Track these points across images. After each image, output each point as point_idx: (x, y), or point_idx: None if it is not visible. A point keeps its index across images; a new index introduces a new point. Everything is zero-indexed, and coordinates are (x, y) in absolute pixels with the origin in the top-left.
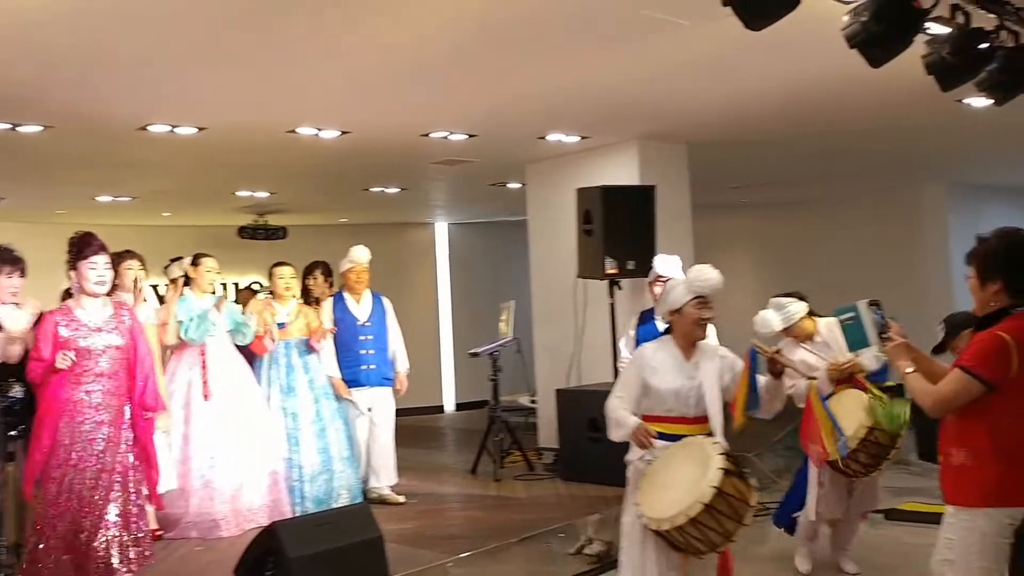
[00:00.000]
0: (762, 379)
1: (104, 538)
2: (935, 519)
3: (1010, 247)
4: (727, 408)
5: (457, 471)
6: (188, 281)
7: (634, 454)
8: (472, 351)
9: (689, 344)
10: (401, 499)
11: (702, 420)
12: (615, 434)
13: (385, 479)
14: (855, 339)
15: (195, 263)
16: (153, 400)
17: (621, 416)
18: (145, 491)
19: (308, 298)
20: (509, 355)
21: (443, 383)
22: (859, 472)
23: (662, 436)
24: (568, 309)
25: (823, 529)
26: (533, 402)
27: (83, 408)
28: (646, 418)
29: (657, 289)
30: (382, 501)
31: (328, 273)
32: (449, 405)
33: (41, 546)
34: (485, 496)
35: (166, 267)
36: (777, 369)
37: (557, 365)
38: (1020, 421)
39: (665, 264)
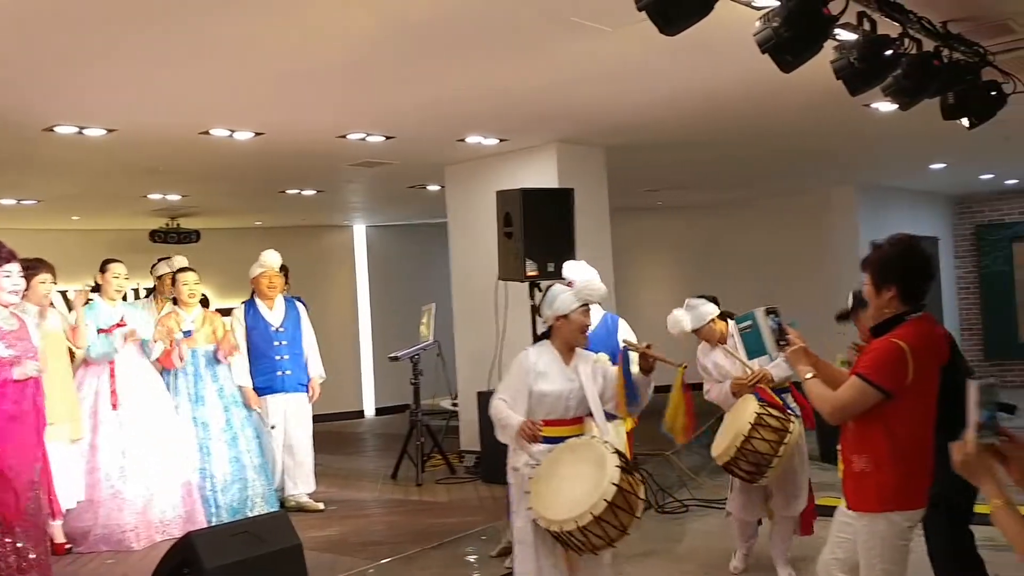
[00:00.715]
0: (634, 372)
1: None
2: None
3: (904, 254)
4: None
5: (378, 476)
6: (97, 287)
7: (520, 460)
8: (392, 355)
9: (568, 349)
10: (320, 506)
11: (578, 421)
12: (502, 436)
13: (303, 486)
14: (753, 347)
15: (103, 269)
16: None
17: (505, 416)
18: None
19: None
20: (430, 358)
21: (363, 388)
22: (744, 478)
23: (548, 439)
24: (489, 311)
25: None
26: (454, 405)
27: None
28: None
29: None
30: (301, 508)
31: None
32: (369, 410)
33: None
34: (406, 501)
35: (153, 266)
36: (648, 365)
37: (478, 367)
38: (916, 426)
39: (575, 270)
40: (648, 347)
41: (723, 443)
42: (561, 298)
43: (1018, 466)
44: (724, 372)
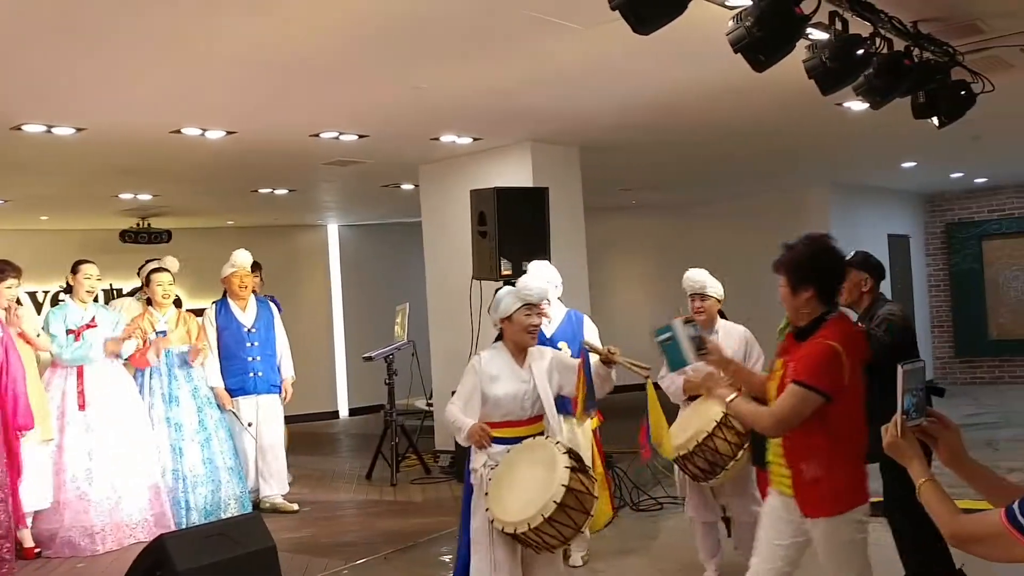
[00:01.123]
0: (593, 364)
1: None
2: None
3: (817, 253)
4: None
5: (352, 477)
6: (69, 288)
7: (478, 461)
8: (366, 355)
9: (520, 350)
10: (294, 507)
11: (536, 420)
12: (459, 438)
13: (277, 487)
14: (674, 359)
15: (74, 270)
16: (24, 419)
17: (458, 420)
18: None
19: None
20: (404, 358)
21: (337, 388)
22: (697, 476)
23: (501, 440)
24: (463, 311)
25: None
26: (429, 405)
27: None
28: (491, 425)
29: None
30: (275, 510)
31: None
32: (343, 410)
33: None
34: (381, 501)
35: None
36: (608, 359)
37: (453, 367)
38: (854, 424)
39: (534, 270)
40: (611, 352)
41: (682, 437)
42: (504, 301)
43: (946, 446)
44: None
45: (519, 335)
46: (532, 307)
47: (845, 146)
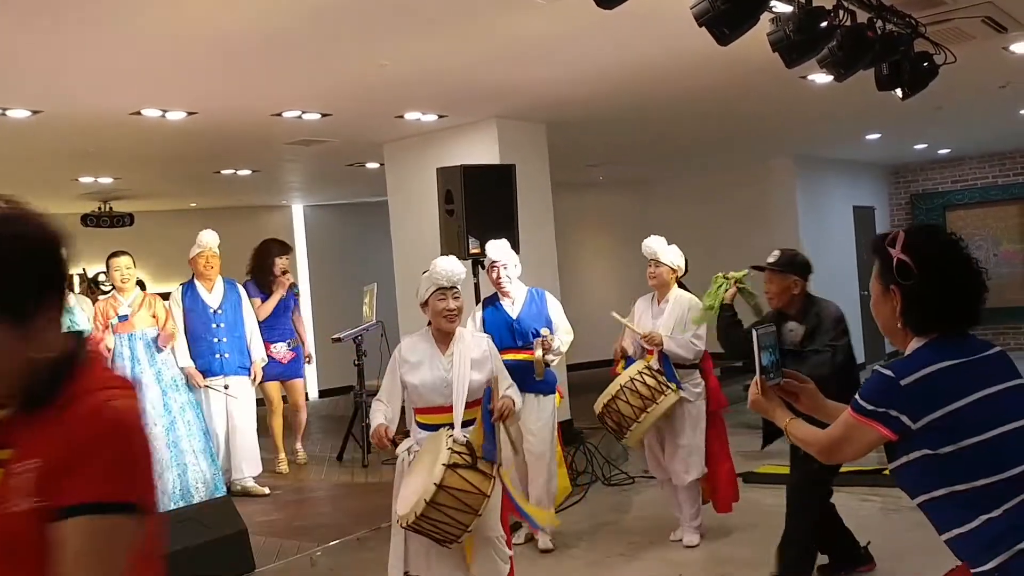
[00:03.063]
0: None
1: None
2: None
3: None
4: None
5: (323, 459)
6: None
7: (403, 447)
8: (335, 336)
9: (443, 336)
10: (265, 490)
11: (469, 406)
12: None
13: (248, 470)
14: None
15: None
16: None
17: (372, 419)
18: None
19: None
20: (373, 339)
21: (303, 372)
22: (611, 431)
23: (426, 427)
24: None
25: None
26: None
27: None
28: (414, 411)
29: (493, 274)
30: (246, 493)
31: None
32: (313, 392)
33: None
34: (352, 483)
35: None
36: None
37: None
38: None
39: (496, 249)
40: (504, 416)
41: (601, 398)
42: (421, 285)
43: (806, 397)
44: (638, 323)
45: (437, 320)
46: (446, 291)
47: (810, 119)
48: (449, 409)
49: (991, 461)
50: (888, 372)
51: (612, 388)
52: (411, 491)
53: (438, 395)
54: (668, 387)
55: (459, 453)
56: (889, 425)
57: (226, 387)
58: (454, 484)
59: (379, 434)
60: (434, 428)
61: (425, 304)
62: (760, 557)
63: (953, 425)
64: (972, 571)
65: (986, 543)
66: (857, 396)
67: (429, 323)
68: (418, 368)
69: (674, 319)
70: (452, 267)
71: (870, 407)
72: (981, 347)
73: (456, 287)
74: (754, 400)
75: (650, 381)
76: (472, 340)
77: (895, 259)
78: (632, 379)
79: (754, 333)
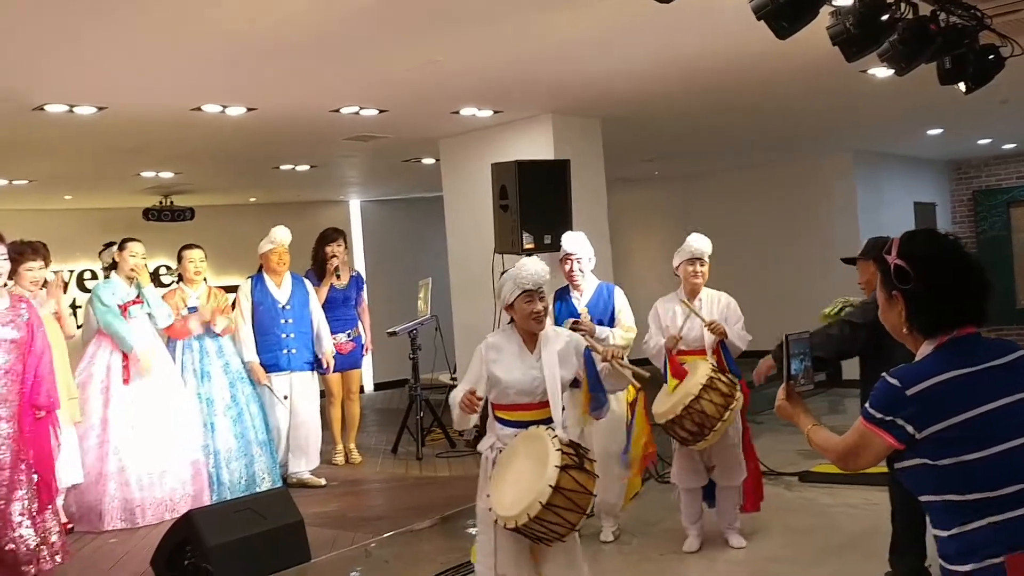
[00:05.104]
0: (599, 365)
1: (10, 538)
2: (848, 479)
3: None
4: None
5: (378, 451)
6: (115, 265)
7: (484, 444)
8: (390, 330)
9: (529, 336)
10: (322, 482)
11: (547, 404)
12: (456, 423)
13: (306, 463)
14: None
15: (120, 247)
16: (46, 398)
17: (453, 394)
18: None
19: (324, 269)
20: (428, 333)
21: (361, 363)
22: (687, 440)
23: (510, 423)
24: (486, 285)
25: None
26: (453, 379)
27: None
28: (494, 407)
29: (567, 267)
30: (303, 484)
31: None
32: (368, 385)
33: None
34: (407, 476)
35: (100, 252)
36: (606, 359)
37: (475, 341)
38: None
39: (572, 241)
40: (613, 356)
41: (668, 402)
42: (504, 287)
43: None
44: (669, 325)
45: (524, 322)
46: (532, 293)
47: (870, 114)
48: (534, 407)
49: (989, 476)
50: (894, 381)
51: (691, 389)
52: (516, 492)
53: (525, 394)
54: (737, 384)
55: (567, 454)
56: (895, 434)
57: (285, 397)
58: (567, 485)
59: (468, 397)
60: (518, 425)
61: (510, 306)
62: (815, 557)
63: (955, 437)
64: (944, 567)
65: (964, 548)
66: (867, 404)
67: (511, 320)
68: (507, 364)
69: (714, 316)
70: (539, 269)
71: (878, 415)
72: (1000, 352)
73: (542, 288)
74: (779, 405)
75: (724, 379)
76: (555, 336)
77: (892, 265)
78: (710, 377)
79: (785, 339)
